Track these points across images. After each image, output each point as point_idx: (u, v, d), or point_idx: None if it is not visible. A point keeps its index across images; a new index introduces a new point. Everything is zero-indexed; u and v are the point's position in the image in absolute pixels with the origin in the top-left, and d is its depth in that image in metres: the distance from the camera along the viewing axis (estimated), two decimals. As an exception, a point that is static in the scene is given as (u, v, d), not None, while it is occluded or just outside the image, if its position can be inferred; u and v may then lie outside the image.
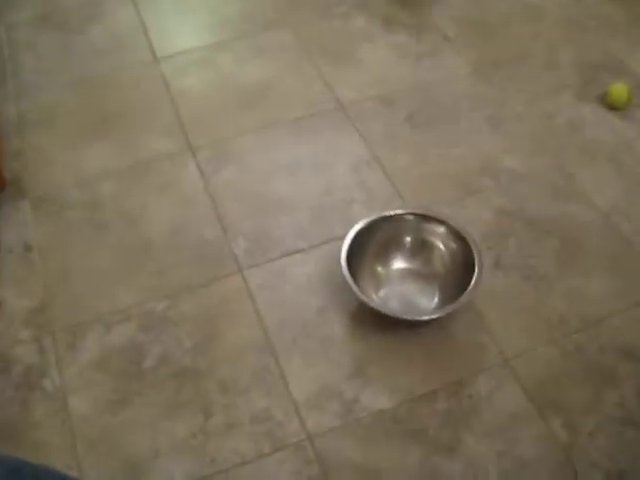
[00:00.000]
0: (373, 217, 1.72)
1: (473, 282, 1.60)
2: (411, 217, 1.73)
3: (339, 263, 1.64)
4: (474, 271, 1.62)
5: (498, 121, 2.12)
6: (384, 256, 1.73)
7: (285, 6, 2.53)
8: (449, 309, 1.59)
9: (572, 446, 1.49)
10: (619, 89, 2.15)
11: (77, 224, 1.88)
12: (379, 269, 1.72)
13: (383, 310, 1.62)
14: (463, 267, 1.65)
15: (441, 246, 1.71)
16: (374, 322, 1.66)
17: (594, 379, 1.59)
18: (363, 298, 1.59)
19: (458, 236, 1.69)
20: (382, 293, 1.69)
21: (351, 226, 1.71)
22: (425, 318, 1.63)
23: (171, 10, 2.53)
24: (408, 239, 1.73)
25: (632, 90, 2.16)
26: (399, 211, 1.73)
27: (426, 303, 1.68)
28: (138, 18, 2.49)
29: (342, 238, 1.69)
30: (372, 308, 1.60)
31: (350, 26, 2.45)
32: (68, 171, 2.00)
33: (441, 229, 1.71)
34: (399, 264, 1.74)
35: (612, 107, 2.16)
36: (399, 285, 1.71)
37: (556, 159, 2.02)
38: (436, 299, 1.68)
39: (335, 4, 2.54)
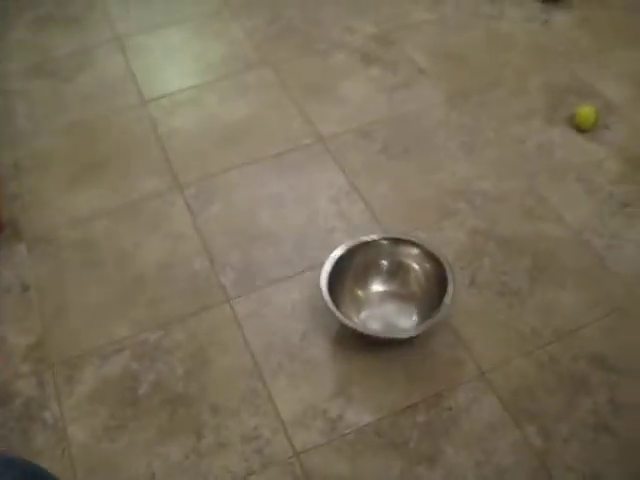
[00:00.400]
0: (351, 243, 1.81)
1: (447, 299, 1.69)
2: (385, 242, 1.82)
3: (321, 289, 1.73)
4: (448, 290, 1.70)
5: (471, 147, 2.22)
6: (363, 280, 1.82)
7: (266, 46, 2.64)
8: (426, 326, 1.68)
9: (547, 452, 1.57)
10: (586, 111, 2.24)
11: (72, 263, 1.96)
12: (359, 292, 1.81)
13: (362, 330, 1.70)
14: (438, 286, 1.74)
15: (416, 267, 1.80)
16: (355, 343, 1.74)
17: (567, 388, 1.67)
18: (343, 320, 1.68)
19: (431, 257, 1.78)
20: (363, 315, 1.78)
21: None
22: (403, 336, 1.72)
23: (158, 56, 2.64)
24: (385, 262, 1.82)
25: (599, 112, 2.26)
26: (374, 236, 1.83)
27: (405, 323, 1.76)
28: (126, 65, 2.60)
29: (324, 265, 1.78)
30: (352, 329, 1.69)
31: (329, 62, 2.56)
32: (63, 213, 2.09)
33: (415, 251, 1.80)
34: (378, 287, 1.82)
35: (580, 129, 2.25)
36: (379, 307, 1.80)
37: (527, 181, 2.11)
38: (415, 318, 1.76)
39: (315, 41, 2.65)
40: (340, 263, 1.78)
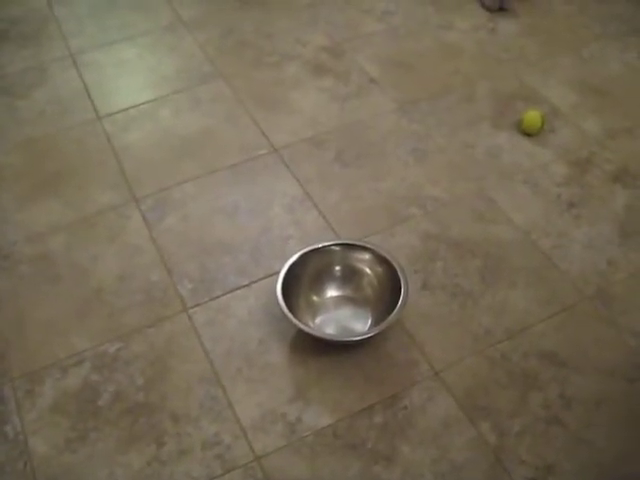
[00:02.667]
0: (304, 251, 1.85)
1: (400, 302, 1.73)
2: (338, 248, 1.86)
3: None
4: (401, 292, 1.75)
5: (422, 153, 2.27)
6: (318, 286, 1.85)
7: (219, 59, 2.68)
8: (379, 329, 1.71)
9: (501, 447, 1.61)
10: (532, 116, 2.30)
11: (30, 277, 1.98)
12: (314, 298, 1.84)
13: (317, 334, 1.74)
14: (391, 290, 1.78)
15: (369, 272, 1.85)
16: (312, 347, 1.78)
17: (519, 384, 1.72)
18: (299, 325, 1.71)
19: (384, 261, 1.82)
20: (318, 320, 1.81)
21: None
22: (357, 338, 1.75)
23: (112, 72, 2.66)
24: (338, 268, 1.86)
25: (545, 116, 2.33)
26: (326, 243, 1.87)
27: (360, 326, 1.80)
28: (81, 81, 2.62)
29: (279, 273, 1.82)
30: (308, 334, 1.72)
31: (282, 74, 2.60)
32: (19, 228, 2.10)
33: (366, 256, 1.84)
34: (332, 292, 1.86)
35: (527, 133, 2.31)
36: (334, 312, 1.84)
37: (477, 185, 2.17)
38: (369, 321, 1.80)
39: (267, 54, 2.69)
40: (295, 270, 1.82)
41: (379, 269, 1.83)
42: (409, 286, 1.80)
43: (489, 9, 2.85)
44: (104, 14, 2.93)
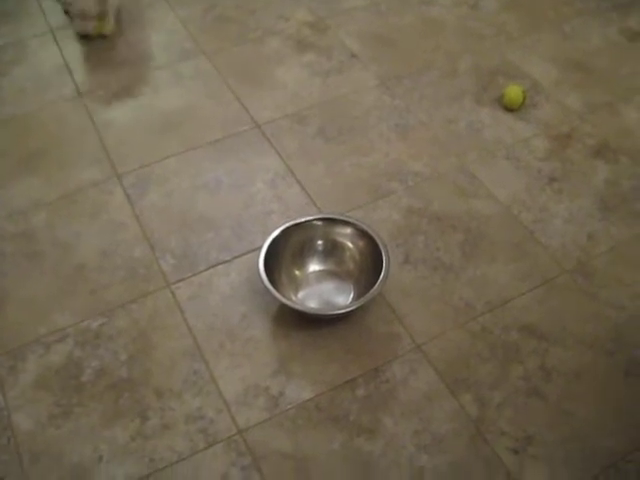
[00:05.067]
0: (286, 225, 1.85)
1: (381, 276, 1.74)
2: (320, 222, 1.87)
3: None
4: (383, 266, 1.76)
5: (404, 129, 2.27)
6: (300, 260, 1.86)
7: (201, 35, 2.67)
8: (361, 302, 1.72)
9: (482, 419, 1.63)
10: (514, 91, 2.31)
11: (11, 255, 1.97)
12: (296, 272, 1.85)
13: (300, 308, 1.75)
14: (373, 263, 1.79)
15: (351, 246, 1.85)
16: (294, 322, 1.79)
17: (500, 356, 1.73)
18: (281, 299, 1.72)
19: (365, 235, 1.83)
20: (301, 295, 1.82)
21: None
22: (339, 312, 1.76)
23: (92, 48, 2.64)
24: (320, 242, 1.87)
25: (526, 91, 2.34)
26: (308, 217, 1.87)
27: (343, 300, 1.81)
28: (61, 56, 2.60)
29: (262, 248, 1.82)
30: (290, 308, 1.73)
31: (264, 50, 2.59)
32: (1, 206, 2.09)
33: (348, 230, 1.85)
34: (315, 266, 1.87)
35: (508, 108, 2.32)
36: (317, 286, 1.84)
37: (459, 160, 2.18)
38: (352, 295, 1.81)
39: (249, 30, 2.68)
40: (277, 245, 1.82)
41: (361, 243, 1.84)
42: (391, 260, 1.81)
43: (471, -16, 2.85)
44: (84, -10, 2.90)
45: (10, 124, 2.36)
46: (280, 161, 2.19)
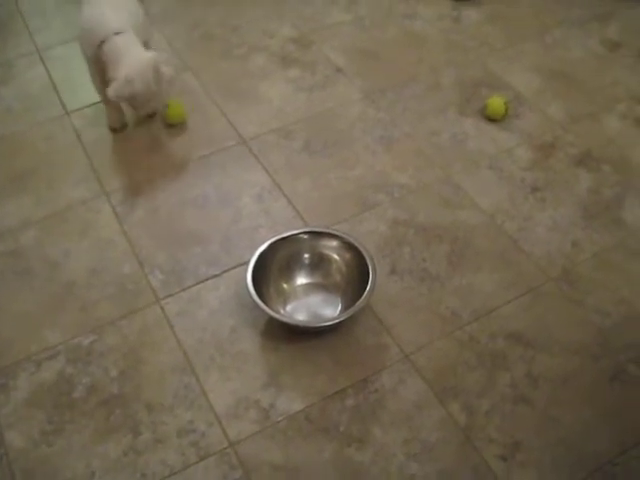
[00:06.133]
0: (273, 239, 1.87)
1: (368, 287, 1.76)
2: (306, 235, 1.89)
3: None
4: (369, 277, 1.78)
5: (389, 141, 2.30)
6: (287, 273, 1.88)
7: (186, 52, 2.69)
8: (349, 314, 1.74)
9: (471, 426, 1.65)
10: (496, 102, 2.34)
11: (1, 273, 1.98)
12: (284, 286, 1.87)
13: (288, 321, 1.77)
14: (359, 275, 1.81)
15: (337, 258, 1.88)
16: (283, 334, 1.81)
17: (487, 364, 1.75)
18: (270, 312, 1.74)
19: (351, 247, 1.85)
20: (289, 308, 1.84)
21: (258, 250, 1.87)
22: (327, 324, 1.78)
23: (79, 67, 2.64)
24: (307, 256, 1.89)
25: (508, 102, 2.37)
26: (295, 231, 1.89)
27: (331, 312, 1.83)
28: (47, 76, 2.62)
29: (249, 262, 1.84)
30: (279, 321, 1.75)
31: (249, 66, 2.62)
32: (-10, 225, 2.12)
33: (334, 243, 1.88)
34: (302, 279, 1.89)
35: (491, 119, 2.35)
36: (304, 299, 1.86)
37: (443, 171, 2.20)
38: (339, 307, 1.83)
39: (234, 46, 2.71)
40: (264, 259, 1.84)
41: (347, 255, 1.86)
42: (378, 271, 1.83)
43: (453, -3, 2.89)
44: (70, 9, 2.92)
45: (-1, 144, 2.38)
46: (267, 176, 2.21)
